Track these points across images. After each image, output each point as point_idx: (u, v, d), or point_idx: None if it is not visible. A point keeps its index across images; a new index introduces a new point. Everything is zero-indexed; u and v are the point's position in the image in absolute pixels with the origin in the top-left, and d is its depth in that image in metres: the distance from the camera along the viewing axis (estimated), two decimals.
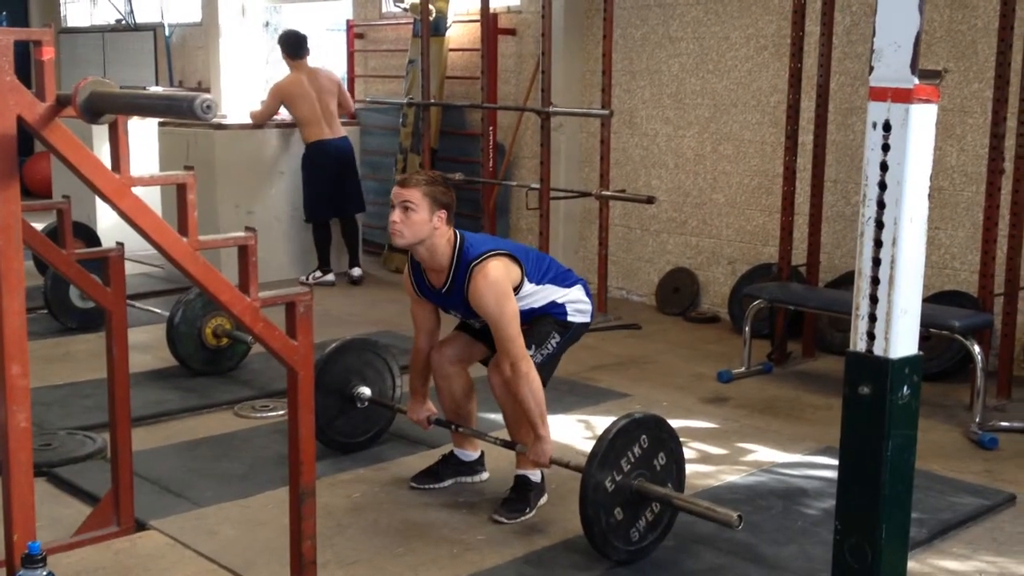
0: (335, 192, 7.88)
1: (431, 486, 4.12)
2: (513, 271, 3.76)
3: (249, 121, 7.94)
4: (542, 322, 3.89)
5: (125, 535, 3.62)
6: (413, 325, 4.04)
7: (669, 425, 3.62)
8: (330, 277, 7.98)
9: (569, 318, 3.92)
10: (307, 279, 7.90)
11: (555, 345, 3.88)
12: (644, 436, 3.50)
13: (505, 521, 3.78)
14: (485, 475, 4.23)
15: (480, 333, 3.98)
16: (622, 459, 3.44)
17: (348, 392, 4.35)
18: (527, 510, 3.84)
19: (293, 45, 7.87)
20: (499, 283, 3.67)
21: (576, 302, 3.94)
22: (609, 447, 3.41)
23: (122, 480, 3.59)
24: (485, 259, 3.69)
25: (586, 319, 3.99)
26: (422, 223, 3.67)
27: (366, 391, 4.37)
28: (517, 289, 3.77)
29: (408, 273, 3.91)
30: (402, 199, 3.67)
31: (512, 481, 3.94)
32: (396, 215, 3.67)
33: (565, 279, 3.94)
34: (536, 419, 3.72)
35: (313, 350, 2.78)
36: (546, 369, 3.87)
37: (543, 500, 3.93)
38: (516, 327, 3.67)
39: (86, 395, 5.06)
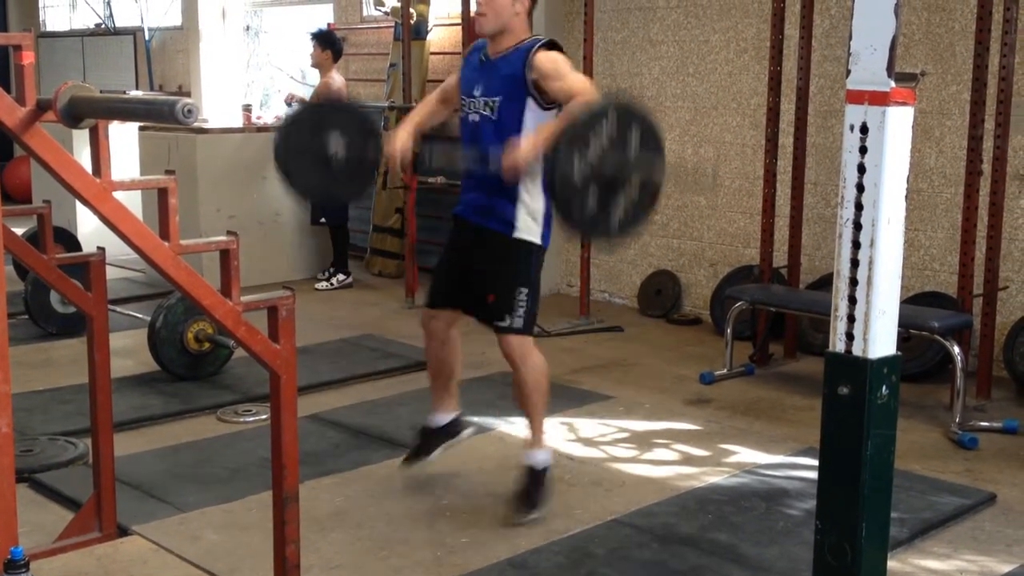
0: None
1: (422, 460, 4.13)
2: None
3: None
4: (506, 274, 3.81)
5: (108, 540, 3.60)
6: (438, 91, 4.03)
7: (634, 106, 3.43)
8: (350, 279, 8.01)
9: (533, 235, 3.82)
10: (331, 283, 7.92)
11: (526, 297, 3.80)
12: (607, 122, 3.31)
13: (519, 522, 3.77)
14: (470, 430, 4.23)
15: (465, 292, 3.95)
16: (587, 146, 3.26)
17: (323, 153, 3.92)
18: (536, 507, 3.82)
19: (335, 43, 7.87)
20: (562, 58, 3.71)
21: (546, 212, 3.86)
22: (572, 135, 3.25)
23: (104, 485, 3.58)
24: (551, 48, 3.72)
25: (548, 240, 3.91)
26: (504, 7, 3.71)
27: (340, 149, 3.90)
28: (552, 106, 3.73)
29: (463, 63, 3.97)
30: None
31: (522, 472, 3.91)
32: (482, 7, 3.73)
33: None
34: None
35: (296, 354, 2.78)
36: (533, 315, 3.85)
37: (551, 490, 3.90)
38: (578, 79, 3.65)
39: (67, 400, 5.04)
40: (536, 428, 3.91)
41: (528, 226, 3.81)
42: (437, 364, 4.11)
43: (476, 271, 3.90)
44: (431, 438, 4.17)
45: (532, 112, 3.73)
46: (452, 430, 4.18)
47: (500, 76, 3.76)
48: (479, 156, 3.76)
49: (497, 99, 3.76)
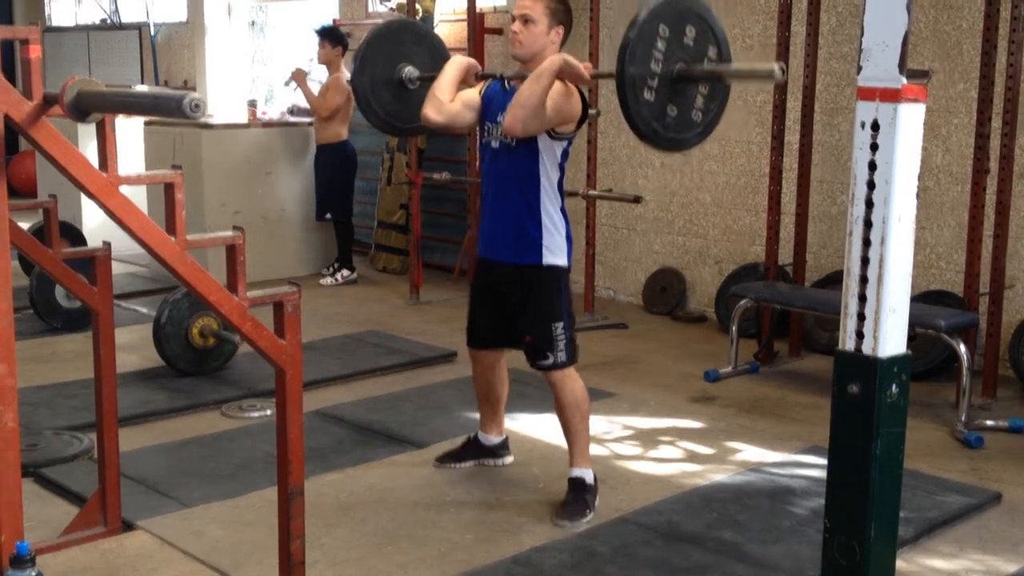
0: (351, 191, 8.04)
1: (452, 466, 4.25)
2: (576, 107, 3.74)
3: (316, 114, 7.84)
4: (540, 313, 3.84)
5: (112, 535, 3.60)
6: (452, 95, 3.95)
7: (708, 11, 3.37)
8: (355, 275, 8.03)
9: (559, 259, 3.85)
10: (336, 279, 7.92)
11: (563, 330, 3.83)
12: (680, 18, 3.28)
13: (568, 525, 3.76)
14: (509, 459, 4.31)
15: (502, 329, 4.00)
16: (658, 39, 3.23)
17: (396, 76, 4.19)
18: (587, 512, 3.82)
19: (343, 39, 7.86)
20: (573, 93, 3.71)
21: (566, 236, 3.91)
22: (647, 21, 3.21)
23: (109, 480, 3.58)
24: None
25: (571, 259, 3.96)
26: (540, 35, 3.76)
27: (414, 71, 4.20)
28: (563, 136, 3.77)
29: (485, 84, 3.98)
30: (523, 11, 3.77)
31: (567, 484, 3.93)
32: (516, 26, 3.78)
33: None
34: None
35: (301, 350, 2.77)
36: (573, 343, 3.88)
37: (598, 500, 3.92)
38: (543, 108, 3.60)
39: (72, 395, 5.04)
40: (580, 448, 3.92)
41: (554, 248, 3.84)
42: (484, 388, 4.22)
43: (509, 312, 3.94)
44: (474, 450, 4.29)
45: (544, 142, 3.76)
46: (496, 452, 4.30)
47: None
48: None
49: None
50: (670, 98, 3.28)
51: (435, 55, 4.27)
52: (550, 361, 3.82)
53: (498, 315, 3.99)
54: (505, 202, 3.82)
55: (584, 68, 3.63)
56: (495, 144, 3.85)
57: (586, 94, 3.83)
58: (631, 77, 3.19)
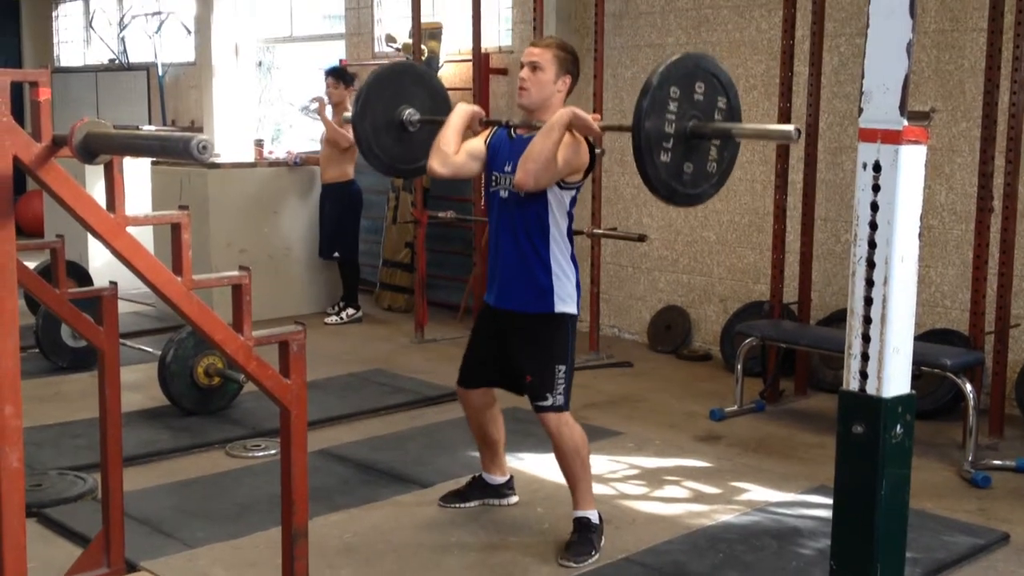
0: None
1: (456, 505, 4.24)
2: (584, 157, 3.77)
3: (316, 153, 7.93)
4: (544, 355, 3.84)
5: None
6: (457, 147, 3.95)
7: (714, 63, 3.45)
8: (360, 313, 8.04)
9: (569, 307, 3.87)
10: (341, 317, 7.94)
11: (564, 373, 3.83)
12: (688, 76, 3.35)
13: (573, 565, 3.74)
14: (514, 499, 4.30)
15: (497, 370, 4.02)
16: (670, 101, 3.30)
17: (397, 119, 4.20)
18: (592, 552, 3.80)
19: (351, 79, 7.92)
20: (581, 143, 3.72)
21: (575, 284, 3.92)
22: (658, 87, 3.28)
23: (113, 521, 3.57)
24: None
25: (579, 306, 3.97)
26: (547, 83, 3.79)
27: (415, 113, 4.20)
28: (571, 185, 3.80)
29: (490, 132, 3.98)
30: (532, 58, 3.81)
31: (572, 524, 3.91)
32: (524, 73, 3.80)
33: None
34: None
35: (306, 389, 2.77)
36: (570, 388, 3.87)
37: (603, 541, 3.90)
38: (554, 162, 3.63)
39: (77, 435, 5.03)
40: (582, 492, 3.90)
41: (564, 296, 3.85)
42: (478, 432, 4.22)
43: (511, 355, 3.94)
44: (478, 489, 4.29)
45: (554, 192, 3.78)
46: (500, 492, 4.30)
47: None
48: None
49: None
50: (686, 155, 3.36)
51: (435, 96, 4.30)
52: (548, 402, 3.80)
53: (498, 356, 3.99)
54: (516, 253, 3.84)
55: (593, 119, 3.66)
56: (504, 194, 3.87)
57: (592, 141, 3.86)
58: (647, 142, 3.27)
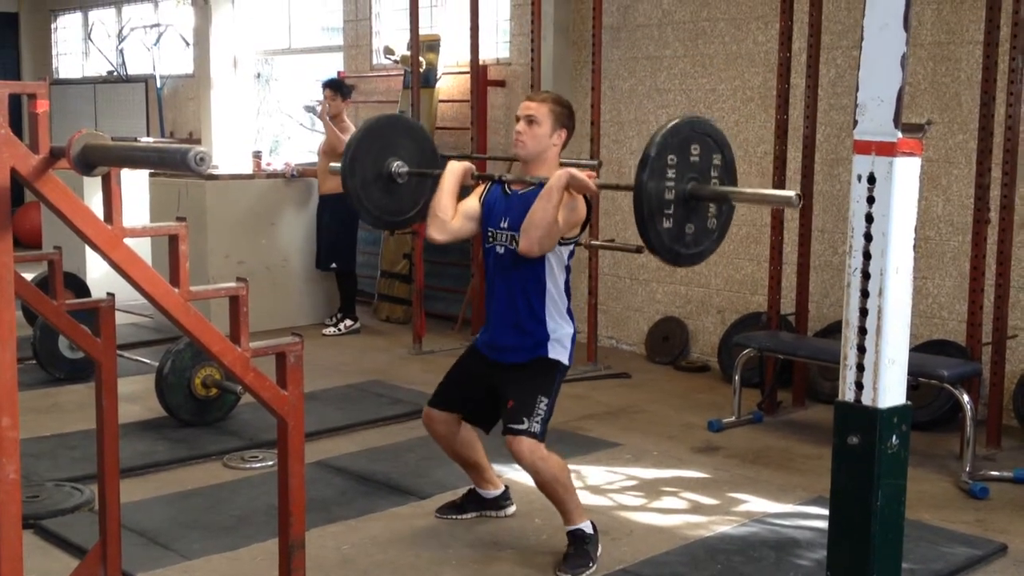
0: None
1: (452, 517, 4.25)
2: (581, 213, 3.82)
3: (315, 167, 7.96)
4: (530, 386, 3.84)
5: None
6: (453, 210, 3.99)
7: (708, 124, 3.52)
8: (358, 325, 8.04)
9: (562, 356, 3.89)
10: (339, 329, 7.94)
11: (545, 407, 3.82)
12: (684, 141, 3.41)
13: None
14: (511, 509, 4.31)
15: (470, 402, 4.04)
16: (667, 168, 3.36)
17: (386, 171, 4.20)
18: (590, 564, 3.80)
19: (348, 91, 7.93)
20: (578, 199, 3.78)
21: (570, 334, 3.94)
22: (656, 157, 3.33)
23: (110, 532, 3.56)
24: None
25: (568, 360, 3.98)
26: (543, 136, 3.85)
27: (403, 165, 4.20)
28: (569, 240, 3.86)
29: (484, 188, 4.02)
30: (528, 112, 3.87)
31: (566, 537, 3.89)
32: (521, 126, 3.86)
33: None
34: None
35: (303, 400, 2.77)
36: (547, 425, 3.84)
37: (600, 548, 3.90)
38: (556, 224, 3.69)
39: (74, 446, 5.03)
40: (570, 511, 3.87)
41: (557, 347, 3.88)
42: (459, 459, 4.23)
43: (496, 387, 3.94)
44: (475, 502, 4.29)
45: (553, 251, 3.80)
46: (497, 504, 4.31)
47: (526, 208, 3.80)
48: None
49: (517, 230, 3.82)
50: (686, 217, 3.42)
51: (423, 147, 4.32)
52: (524, 426, 3.76)
53: (478, 392, 4.01)
54: (511, 310, 3.88)
55: (588, 177, 3.71)
56: (500, 250, 3.91)
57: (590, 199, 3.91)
58: (649, 210, 3.33)
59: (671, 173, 3.34)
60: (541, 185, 3.76)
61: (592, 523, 3.92)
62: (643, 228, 3.35)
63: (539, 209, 3.67)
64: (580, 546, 3.84)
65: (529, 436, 3.75)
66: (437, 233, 3.94)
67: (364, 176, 4.16)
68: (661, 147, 3.33)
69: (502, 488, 4.32)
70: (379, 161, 4.19)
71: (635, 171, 3.37)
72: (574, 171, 3.70)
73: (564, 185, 3.67)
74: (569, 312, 3.93)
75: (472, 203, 4.01)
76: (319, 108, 7.91)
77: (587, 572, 3.77)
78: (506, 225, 3.86)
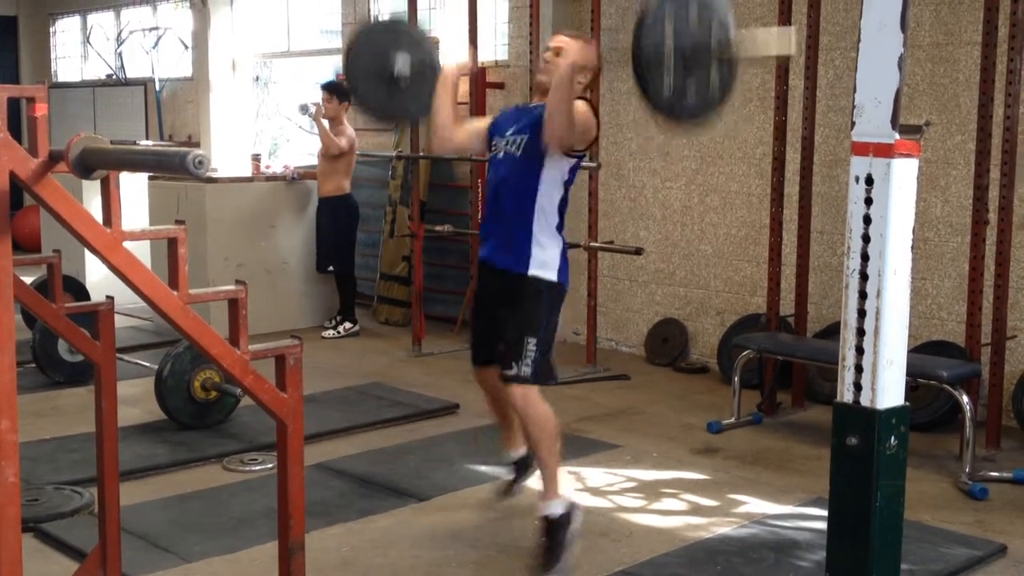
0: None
1: (516, 490, 4.35)
2: (591, 119, 3.88)
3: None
4: (516, 321, 3.82)
5: None
6: (452, 115, 4.09)
7: None
8: (357, 327, 8.05)
9: (549, 275, 3.88)
10: (338, 331, 7.94)
11: (534, 346, 3.79)
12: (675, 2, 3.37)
13: (546, 574, 3.72)
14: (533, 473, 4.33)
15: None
16: (665, 23, 3.32)
17: (388, 72, 4.14)
18: (562, 554, 3.74)
19: (347, 93, 7.93)
20: (589, 113, 3.85)
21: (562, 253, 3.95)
22: (655, 10, 3.31)
23: (109, 535, 3.56)
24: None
25: (565, 278, 3.97)
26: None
27: (405, 67, 4.14)
28: (575, 154, 3.89)
29: (499, 112, 4.13)
30: (558, 43, 3.92)
31: (539, 524, 3.84)
32: (549, 55, 3.91)
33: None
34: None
35: (302, 403, 2.77)
36: (544, 363, 3.84)
37: (579, 522, 3.82)
38: (573, 122, 3.72)
39: (73, 449, 5.03)
40: (547, 478, 3.86)
41: (543, 261, 3.86)
42: (499, 413, 4.26)
43: (497, 318, 3.95)
44: (522, 465, 4.31)
45: (552, 163, 3.83)
46: (527, 463, 4.32)
47: (533, 115, 3.89)
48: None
49: (525, 136, 3.87)
50: (687, 75, 3.35)
51: (424, 50, 4.25)
52: (513, 371, 3.75)
53: (494, 328, 3.99)
54: (500, 208, 3.91)
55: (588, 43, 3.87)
56: (500, 155, 3.96)
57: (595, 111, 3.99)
58: (646, 66, 3.30)
59: (669, 30, 3.30)
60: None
61: (568, 503, 3.82)
62: (643, 84, 3.31)
63: (555, 98, 3.68)
64: (553, 536, 3.76)
65: (519, 382, 3.76)
66: (439, 147, 4.13)
67: (366, 71, 4.13)
68: (659, 2, 3.31)
69: (525, 449, 4.32)
70: (382, 60, 4.15)
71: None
72: (571, 59, 3.71)
73: (572, 63, 3.68)
74: (559, 229, 3.91)
75: (482, 123, 4.10)
76: (312, 108, 7.93)
77: (559, 565, 3.71)
78: (510, 132, 3.92)
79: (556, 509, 3.81)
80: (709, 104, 3.42)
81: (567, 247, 3.98)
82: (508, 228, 3.89)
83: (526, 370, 3.77)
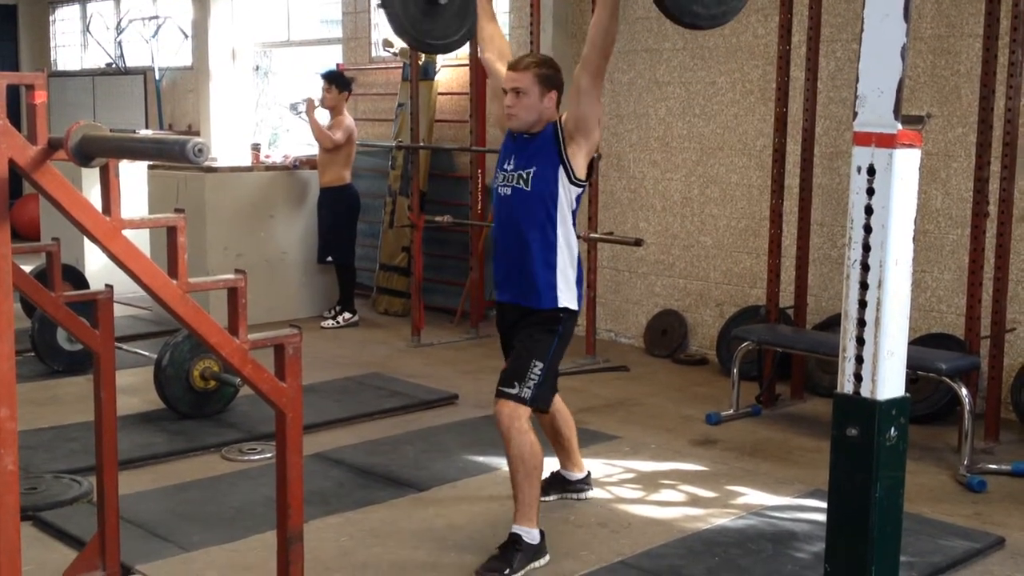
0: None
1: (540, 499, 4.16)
2: (596, 130, 3.89)
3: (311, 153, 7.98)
4: (528, 346, 3.79)
5: None
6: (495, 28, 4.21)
7: None
8: (356, 317, 8.04)
9: (570, 304, 3.85)
10: (338, 321, 7.94)
11: (540, 371, 3.76)
12: None
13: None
14: (590, 492, 4.39)
15: None
16: None
17: None
18: (506, 571, 3.65)
19: (347, 83, 7.92)
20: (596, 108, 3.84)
21: (579, 280, 3.92)
22: None
23: (108, 524, 3.56)
24: None
25: (581, 302, 3.95)
26: (533, 105, 3.80)
27: None
28: (580, 183, 3.86)
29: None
30: (513, 84, 3.81)
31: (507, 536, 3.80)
32: (509, 99, 3.82)
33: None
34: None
35: (301, 392, 2.77)
36: (545, 389, 3.82)
37: (538, 563, 3.74)
38: (611, 49, 3.78)
39: (72, 438, 5.03)
40: (521, 502, 3.76)
41: (567, 294, 3.84)
42: (549, 432, 4.28)
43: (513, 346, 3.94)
44: (557, 485, 4.35)
45: (564, 186, 3.79)
46: (578, 487, 4.39)
47: (534, 147, 3.82)
48: None
49: (531, 170, 3.80)
50: None
51: None
52: (514, 391, 3.71)
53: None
54: (523, 244, 3.83)
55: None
56: (506, 191, 3.87)
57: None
58: None
59: None
60: (546, 130, 3.79)
61: (540, 533, 3.77)
62: None
63: (604, 14, 3.64)
64: (509, 551, 3.70)
65: (515, 400, 3.71)
66: (484, 52, 4.17)
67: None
68: None
69: (586, 472, 4.38)
70: None
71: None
72: None
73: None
74: (578, 256, 3.89)
75: (502, 69, 4.02)
76: (303, 107, 7.92)
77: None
78: (510, 167, 3.85)
79: (522, 534, 3.74)
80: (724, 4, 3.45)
81: (583, 272, 3.97)
82: (531, 266, 3.81)
83: (527, 392, 3.74)
